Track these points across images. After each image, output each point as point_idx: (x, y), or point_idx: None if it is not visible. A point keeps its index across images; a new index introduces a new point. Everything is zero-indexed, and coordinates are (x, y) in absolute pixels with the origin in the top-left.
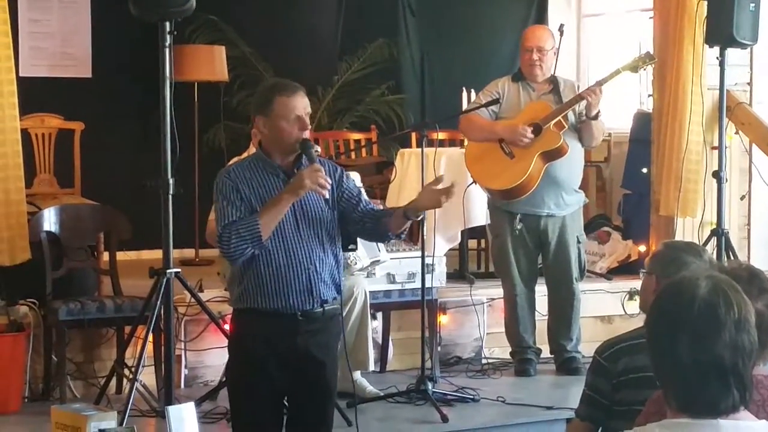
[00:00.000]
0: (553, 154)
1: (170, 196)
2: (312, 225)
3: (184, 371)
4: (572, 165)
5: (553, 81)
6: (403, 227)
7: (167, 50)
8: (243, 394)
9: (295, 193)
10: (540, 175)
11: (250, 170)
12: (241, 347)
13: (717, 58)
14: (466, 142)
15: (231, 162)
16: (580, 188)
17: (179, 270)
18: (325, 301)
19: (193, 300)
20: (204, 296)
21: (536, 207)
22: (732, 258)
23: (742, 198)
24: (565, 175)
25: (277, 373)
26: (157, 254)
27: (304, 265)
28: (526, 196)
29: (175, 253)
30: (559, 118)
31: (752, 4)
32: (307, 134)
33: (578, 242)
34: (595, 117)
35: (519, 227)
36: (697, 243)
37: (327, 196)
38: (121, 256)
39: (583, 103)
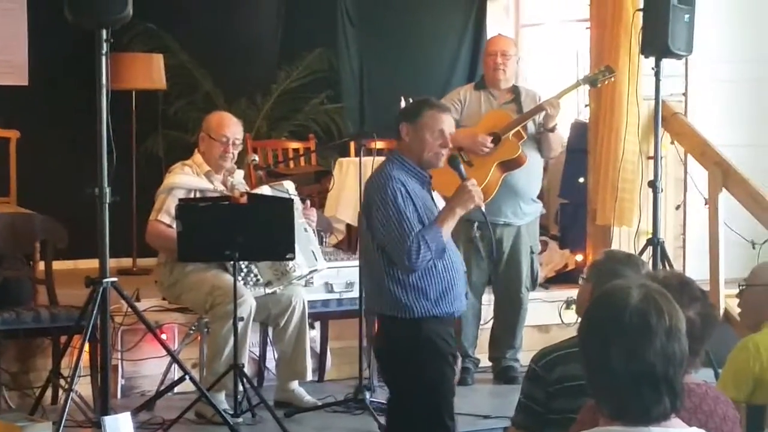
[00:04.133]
0: (511, 165)
1: (106, 205)
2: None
3: (120, 381)
4: (531, 175)
5: (515, 91)
6: None
7: (104, 58)
8: (448, 392)
9: (467, 208)
10: (498, 185)
11: (409, 179)
12: (440, 350)
13: (652, 68)
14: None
15: (174, 167)
16: (538, 197)
17: (116, 279)
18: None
19: (130, 309)
20: (141, 305)
21: (494, 215)
22: (667, 267)
23: (678, 208)
24: (523, 184)
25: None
26: (94, 263)
27: (462, 269)
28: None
29: (112, 263)
30: (519, 128)
31: (687, 16)
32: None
33: (532, 252)
34: (552, 129)
35: (476, 235)
36: (637, 256)
37: (483, 209)
38: (57, 265)
39: (543, 113)
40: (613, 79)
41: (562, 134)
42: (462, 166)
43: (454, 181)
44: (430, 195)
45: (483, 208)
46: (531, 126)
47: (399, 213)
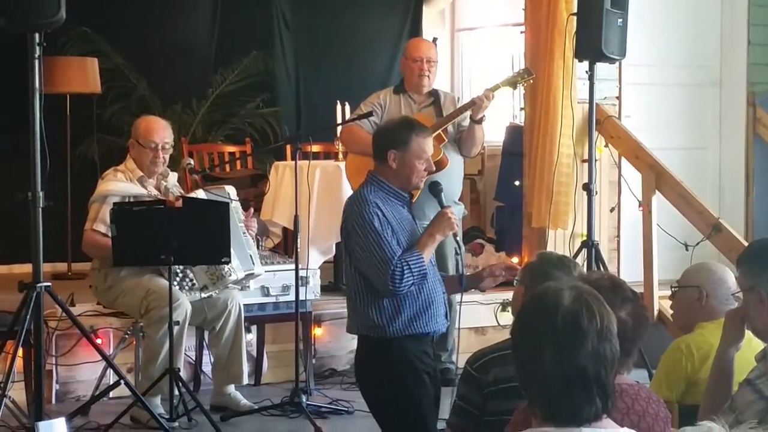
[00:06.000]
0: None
1: (40, 209)
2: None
3: (55, 386)
4: (452, 177)
5: (434, 94)
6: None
7: (37, 62)
8: (423, 411)
9: (445, 233)
10: (420, 188)
11: (385, 202)
12: (413, 368)
13: (586, 72)
14: (341, 156)
15: (107, 173)
16: (459, 200)
17: (50, 284)
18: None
19: (64, 314)
20: (76, 310)
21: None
22: (602, 269)
23: (612, 210)
24: (445, 186)
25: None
26: (28, 268)
27: (441, 289)
28: None
29: (47, 267)
30: (440, 131)
31: (620, 20)
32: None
33: (456, 253)
34: (480, 121)
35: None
36: (570, 257)
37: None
38: None
39: (462, 116)
40: (531, 81)
41: (484, 131)
42: (442, 194)
43: None
44: (411, 215)
45: (459, 236)
46: (451, 129)
47: (379, 237)
